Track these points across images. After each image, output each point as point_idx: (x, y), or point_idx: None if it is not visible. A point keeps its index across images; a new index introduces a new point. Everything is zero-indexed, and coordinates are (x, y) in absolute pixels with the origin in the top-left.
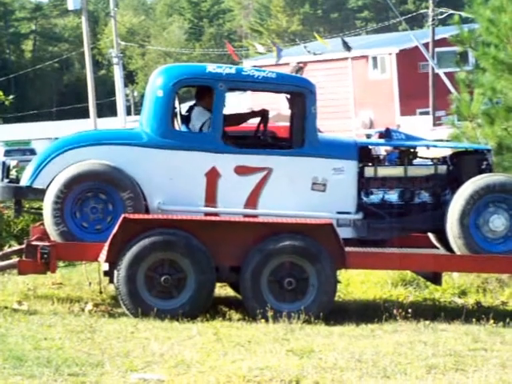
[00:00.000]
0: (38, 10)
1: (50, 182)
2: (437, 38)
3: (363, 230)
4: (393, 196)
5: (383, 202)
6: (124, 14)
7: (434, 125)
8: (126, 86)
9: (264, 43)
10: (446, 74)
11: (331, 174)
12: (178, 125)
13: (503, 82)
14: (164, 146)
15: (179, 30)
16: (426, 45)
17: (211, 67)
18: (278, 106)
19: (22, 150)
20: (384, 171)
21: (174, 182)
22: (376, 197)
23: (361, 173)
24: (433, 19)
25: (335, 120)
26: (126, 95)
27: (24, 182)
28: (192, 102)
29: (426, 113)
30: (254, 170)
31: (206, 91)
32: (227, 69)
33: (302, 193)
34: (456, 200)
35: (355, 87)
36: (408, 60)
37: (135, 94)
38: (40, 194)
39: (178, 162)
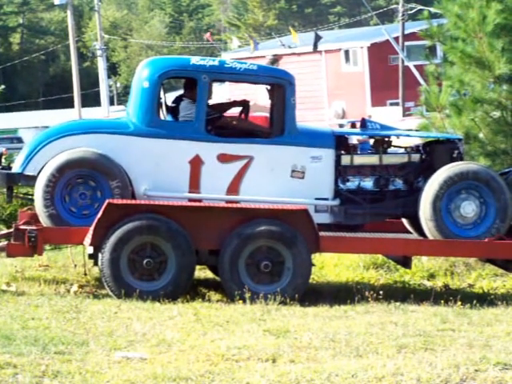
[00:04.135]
0: (25, 5)
1: (41, 168)
2: (406, 32)
3: (340, 216)
4: (368, 183)
5: (359, 188)
6: (107, 8)
7: (404, 115)
8: (109, 77)
9: (241, 37)
10: (415, 66)
11: (309, 161)
12: (164, 114)
13: (470, 74)
14: (150, 135)
15: (160, 24)
16: (396, 39)
17: (195, 59)
18: (254, 96)
19: (9, 138)
20: (360, 159)
21: (160, 169)
22: (352, 184)
23: (338, 161)
24: (403, 14)
25: (309, 110)
26: (109, 86)
27: (16, 168)
28: (176, 92)
29: (396, 104)
30: (236, 157)
31: (192, 83)
32: (210, 61)
33: (281, 180)
34: (430, 184)
35: (328, 79)
36: (379, 53)
37: (118, 85)
38: (31, 180)
39: (163, 150)
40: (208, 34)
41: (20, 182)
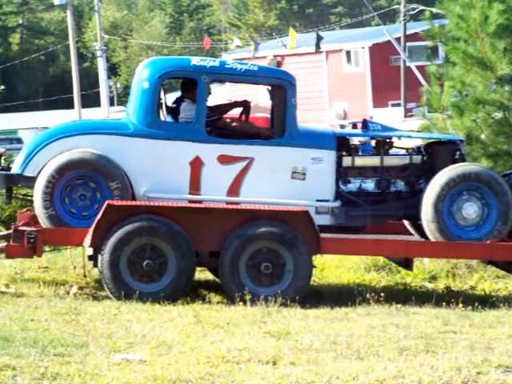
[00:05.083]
0: (24, 5)
1: (41, 169)
2: (408, 32)
3: (341, 217)
4: (369, 184)
5: (360, 190)
6: (107, 8)
7: (405, 116)
8: (109, 77)
9: (242, 37)
10: (417, 67)
11: (310, 163)
12: (164, 115)
13: (472, 75)
14: (150, 136)
15: (160, 24)
16: (397, 39)
17: (195, 60)
18: (255, 97)
19: (9, 138)
20: (361, 161)
21: (160, 171)
22: (353, 185)
23: (339, 162)
24: (404, 15)
25: (310, 111)
26: (109, 87)
27: (15, 169)
28: (177, 93)
29: (398, 105)
30: (237, 159)
31: (192, 84)
32: (211, 62)
33: (282, 181)
34: (432, 186)
35: (330, 80)
36: (380, 54)
37: (118, 85)
38: (30, 181)
39: (163, 151)
40: (206, 41)
41: (19, 183)
